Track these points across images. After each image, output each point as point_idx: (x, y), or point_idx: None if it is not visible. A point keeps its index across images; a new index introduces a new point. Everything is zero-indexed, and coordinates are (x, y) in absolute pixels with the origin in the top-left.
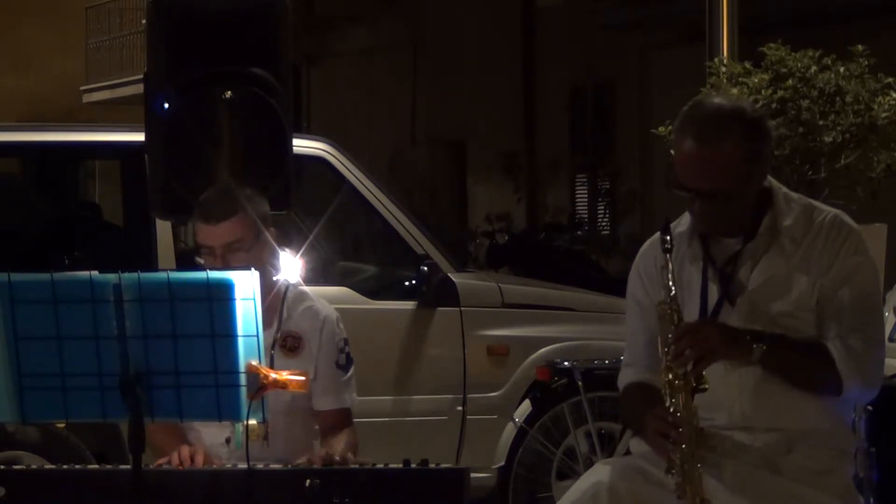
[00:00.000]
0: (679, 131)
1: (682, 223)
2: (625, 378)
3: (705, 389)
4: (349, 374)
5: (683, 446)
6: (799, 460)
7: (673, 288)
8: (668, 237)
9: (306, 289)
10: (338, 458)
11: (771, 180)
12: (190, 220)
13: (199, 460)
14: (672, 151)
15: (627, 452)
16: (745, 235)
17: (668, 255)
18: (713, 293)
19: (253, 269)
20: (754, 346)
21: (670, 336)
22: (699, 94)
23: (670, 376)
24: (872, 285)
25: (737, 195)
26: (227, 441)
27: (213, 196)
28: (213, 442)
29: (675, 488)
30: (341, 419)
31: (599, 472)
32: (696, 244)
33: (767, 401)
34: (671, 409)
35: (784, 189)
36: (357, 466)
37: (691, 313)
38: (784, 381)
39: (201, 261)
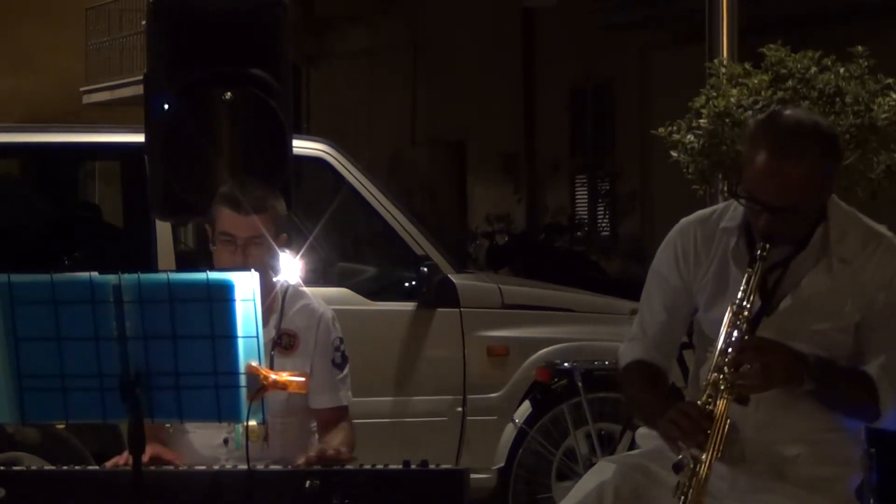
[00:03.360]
0: (754, 142)
1: (728, 217)
2: (630, 352)
3: (747, 402)
4: (344, 372)
5: (704, 454)
6: (805, 468)
7: (751, 296)
8: (767, 246)
9: (304, 289)
10: (331, 451)
11: None
12: (191, 220)
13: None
14: (745, 161)
15: (632, 448)
16: (796, 245)
17: (757, 264)
18: (754, 300)
19: (253, 270)
20: (806, 379)
21: (733, 339)
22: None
23: (719, 377)
24: None
25: (806, 211)
26: (225, 442)
27: (244, 188)
28: (209, 443)
29: (676, 485)
30: (339, 416)
31: (603, 471)
32: (742, 244)
33: (781, 413)
34: (705, 409)
35: (838, 201)
36: (356, 467)
37: (724, 311)
38: (804, 397)
39: (214, 247)
